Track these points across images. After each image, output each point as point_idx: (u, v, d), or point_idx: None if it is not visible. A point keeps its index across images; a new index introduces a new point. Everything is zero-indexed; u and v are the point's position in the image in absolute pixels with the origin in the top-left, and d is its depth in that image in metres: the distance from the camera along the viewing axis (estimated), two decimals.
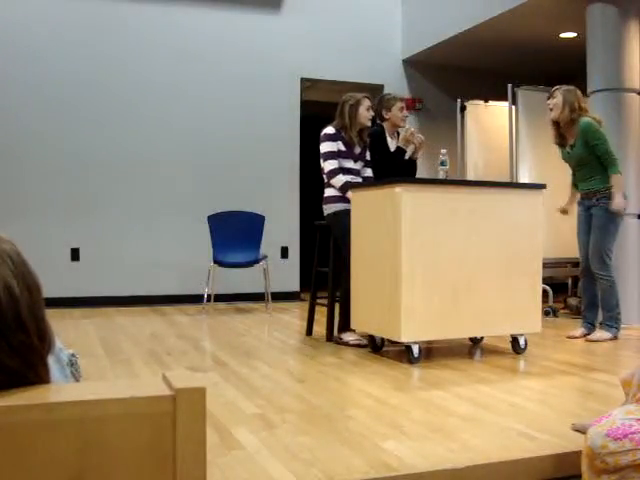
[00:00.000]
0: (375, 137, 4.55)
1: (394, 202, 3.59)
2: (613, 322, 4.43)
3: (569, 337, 4.52)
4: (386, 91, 7.36)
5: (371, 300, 3.82)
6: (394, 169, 4.41)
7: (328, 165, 4.36)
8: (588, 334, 4.48)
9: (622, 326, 4.53)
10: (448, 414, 2.60)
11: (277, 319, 5.64)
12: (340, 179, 4.32)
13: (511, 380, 3.29)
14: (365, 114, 4.38)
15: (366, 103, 4.40)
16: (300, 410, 2.71)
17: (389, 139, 4.60)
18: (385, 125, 4.60)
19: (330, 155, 4.35)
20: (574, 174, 4.65)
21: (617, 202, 4.34)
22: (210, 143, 6.81)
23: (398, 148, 4.58)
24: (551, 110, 4.49)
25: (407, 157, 4.56)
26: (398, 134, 4.65)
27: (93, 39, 6.45)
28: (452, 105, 6.94)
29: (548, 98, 4.55)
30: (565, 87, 4.49)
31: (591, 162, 4.42)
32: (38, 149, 6.29)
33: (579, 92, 4.54)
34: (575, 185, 4.68)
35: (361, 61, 7.35)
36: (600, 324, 4.51)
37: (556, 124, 4.53)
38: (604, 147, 4.35)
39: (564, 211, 4.73)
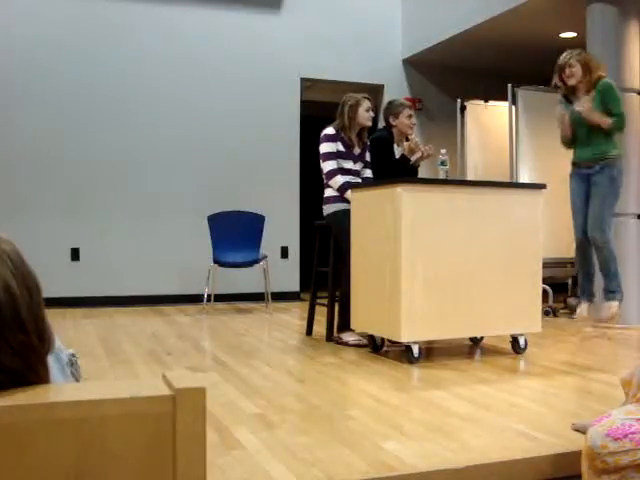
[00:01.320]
0: (381, 142, 4.55)
1: (394, 202, 3.59)
2: (616, 287, 4.40)
3: (580, 319, 4.50)
4: (386, 91, 7.39)
5: (371, 300, 3.82)
6: (396, 176, 4.40)
7: (327, 166, 4.36)
8: (591, 303, 4.46)
9: (622, 326, 4.53)
10: (448, 414, 2.60)
11: (277, 319, 5.64)
12: (338, 180, 4.32)
13: (511, 380, 3.29)
14: (364, 115, 4.38)
15: (366, 104, 4.39)
16: (300, 410, 2.71)
17: (395, 145, 4.60)
18: (393, 131, 4.59)
19: (329, 156, 4.35)
20: (574, 136, 4.56)
21: (584, 104, 4.32)
22: (210, 143, 6.81)
23: (402, 156, 4.58)
24: (568, 77, 4.45)
25: (410, 163, 4.57)
26: (407, 140, 4.64)
27: (94, 41, 6.45)
28: (452, 105, 6.94)
29: (562, 68, 4.48)
30: (577, 52, 4.47)
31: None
32: (38, 149, 6.29)
33: (588, 54, 4.55)
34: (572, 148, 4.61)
35: (361, 61, 7.35)
36: (604, 292, 4.46)
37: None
38: (621, 107, 4.35)
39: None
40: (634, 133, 5.18)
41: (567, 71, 4.46)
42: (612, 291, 4.40)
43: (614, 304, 4.37)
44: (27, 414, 0.73)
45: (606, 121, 4.34)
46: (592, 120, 4.36)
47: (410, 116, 4.58)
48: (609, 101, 4.34)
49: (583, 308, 4.52)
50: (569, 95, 4.57)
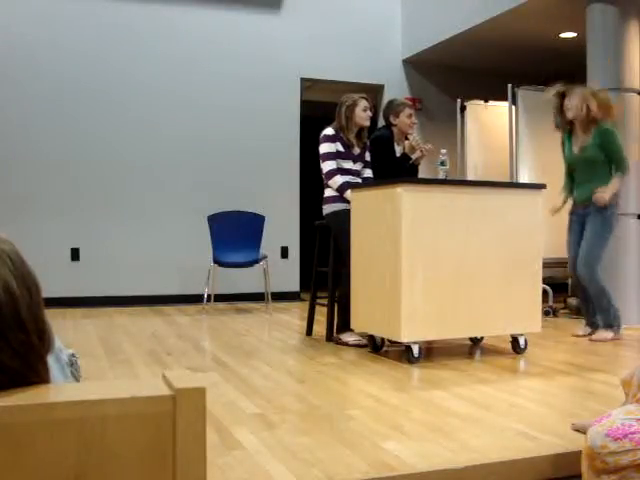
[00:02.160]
0: (382, 141, 4.55)
1: (394, 202, 3.59)
2: (613, 322, 4.44)
3: (574, 335, 4.55)
4: (386, 91, 7.39)
5: (371, 300, 3.82)
6: (398, 174, 4.41)
7: (326, 166, 4.37)
8: (592, 333, 4.50)
9: (622, 326, 4.53)
10: (448, 414, 2.60)
11: (277, 319, 5.64)
12: (337, 180, 4.33)
13: (511, 380, 3.29)
14: (362, 115, 4.38)
15: (362, 104, 4.39)
16: (300, 410, 2.71)
17: (395, 144, 4.60)
18: (394, 130, 4.60)
19: (328, 156, 4.35)
20: (571, 177, 4.60)
21: (601, 195, 4.31)
22: (210, 143, 6.81)
23: (404, 154, 4.58)
24: (567, 110, 4.41)
25: (411, 162, 4.57)
26: (407, 139, 4.64)
27: (94, 41, 6.45)
28: (452, 105, 6.94)
29: (562, 96, 4.44)
30: (581, 88, 4.44)
31: (599, 165, 4.38)
32: (38, 149, 6.29)
33: (597, 91, 4.48)
34: (569, 191, 4.62)
35: (361, 61, 7.35)
36: (601, 321, 4.51)
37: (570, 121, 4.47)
38: (622, 152, 4.36)
39: (557, 210, 4.62)
40: (634, 133, 5.18)
41: (566, 102, 4.41)
42: (608, 325, 4.45)
43: (608, 335, 4.42)
44: (27, 414, 0.73)
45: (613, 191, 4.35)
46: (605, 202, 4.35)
47: (410, 115, 4.59)
48: (609, 146, 4.33)
49: (583, 331, 4.57)
50: (565, 128, 4.52)
